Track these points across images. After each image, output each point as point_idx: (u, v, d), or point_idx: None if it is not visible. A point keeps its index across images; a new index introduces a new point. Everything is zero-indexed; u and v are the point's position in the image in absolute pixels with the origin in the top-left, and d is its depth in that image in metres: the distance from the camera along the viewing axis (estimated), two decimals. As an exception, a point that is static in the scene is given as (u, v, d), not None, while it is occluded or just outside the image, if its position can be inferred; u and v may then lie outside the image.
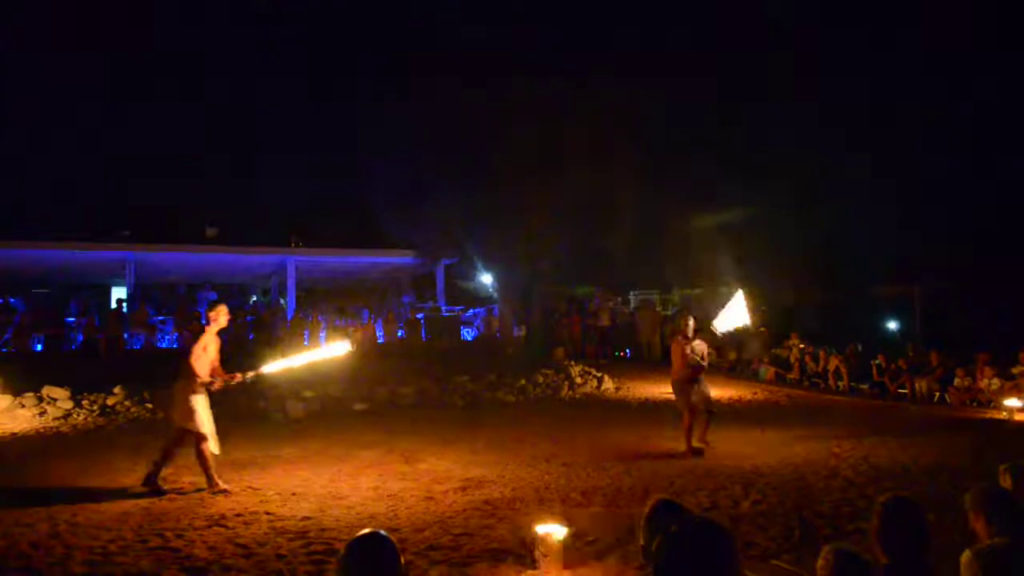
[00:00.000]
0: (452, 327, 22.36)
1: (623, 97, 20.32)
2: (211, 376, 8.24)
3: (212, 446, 8.13)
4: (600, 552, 5.85)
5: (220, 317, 8.48)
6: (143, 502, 7.63)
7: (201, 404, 8.11)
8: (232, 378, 8.37)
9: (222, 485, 8.05)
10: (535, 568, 5.45)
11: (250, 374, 8.58)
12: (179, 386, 8.16)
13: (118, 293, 23.97)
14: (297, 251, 23.59)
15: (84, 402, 13.86)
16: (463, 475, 8.79)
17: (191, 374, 8.09)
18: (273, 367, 8.72)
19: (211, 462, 8.11)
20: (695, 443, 10.01)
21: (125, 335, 19.11)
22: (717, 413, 10.76)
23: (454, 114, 20.88)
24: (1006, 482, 3.99)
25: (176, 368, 8.34)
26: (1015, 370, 14.40)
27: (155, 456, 8.30)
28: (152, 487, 8.00)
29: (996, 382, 14.43)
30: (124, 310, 19.88)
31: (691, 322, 10.38)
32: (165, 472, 8.33)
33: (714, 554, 2.10)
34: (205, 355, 8.25)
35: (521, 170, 20.27)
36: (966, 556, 2.80)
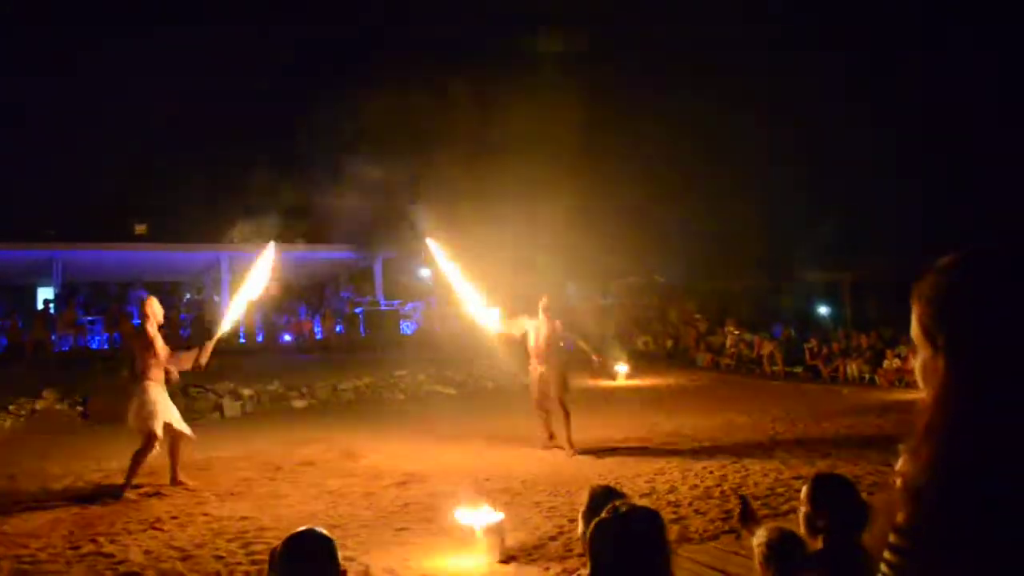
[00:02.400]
0: (391, 321, 22.22)
1: (550, 85, 20.42)
2: (169, 366, 8.09)
3: (187, 432, 8.07)
4: (541, 540, 5.89)
5: (156, 310, 8.27)
6: (75, 508, 7.41)
7: (160, 400, 7.91)
8: (193, 359, 8.22)
9: (129, 494, 7.69)
10: (477, 559, 5.46)
11: (208, 345, 8.41)
12: (131, 390, 7.93)
13: (44, 294, 23.23)
14: (231, 247, 23.13)
15: (11, 407, 13.40)
16: (403, 469, 8.75)
17: (141, 375, 7.89)
18: (232, 313, 8.59)
19: (141, 468, 7.89)
20: (558, 443, 9.54)
21: (53, 337, 18.55)
22: (569, 412, 9.76)
23: (388, 106, 20.73)
24: (902, 464, 3.95)
25: (129, 372, 8.11)
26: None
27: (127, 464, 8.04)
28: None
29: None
30: (51, 311, 19.30)
31: (542, 302, 9.96)
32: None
33: (643, 539, 2.14)
34: (154, 351, 8.03)
35: (457, 162, 20.22)
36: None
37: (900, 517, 1.10)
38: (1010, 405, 1.03)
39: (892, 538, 1.07)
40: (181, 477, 8.11)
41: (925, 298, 1.14)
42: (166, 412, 7.94)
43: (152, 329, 8.17)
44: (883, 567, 1.08)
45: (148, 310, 8.28)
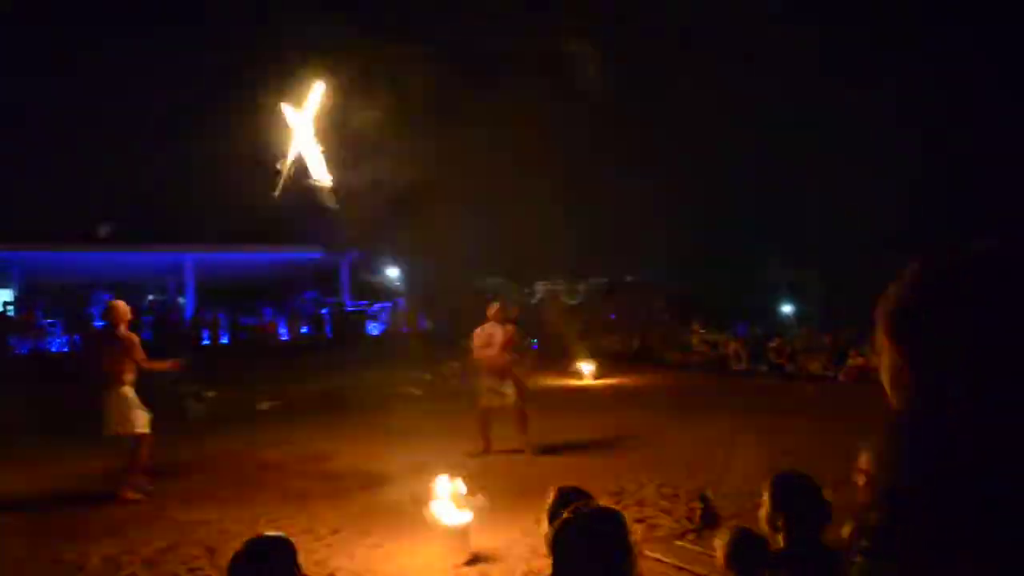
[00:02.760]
0: (357, 322, 22.11)
1: (523, 86, 20.44)
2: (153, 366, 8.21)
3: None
4: (507, 541, 5.89)
5: (124, 313, 8.19)
6: (36, 515, 7.29)
7: (134, 401, 7.87)
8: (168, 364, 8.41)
9: (133, 495, 7.74)
10: (443, 561, 5.45)
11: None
12: (105, 396, 7.82)
13: (3, 296, 22.81)
14: (194, 248, 22.86)
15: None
16: (370, 471, 8.70)
17: (116, 378, 7.79)
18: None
19: (141, 467, 7.91)
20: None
21: (11, 340, 18.21)
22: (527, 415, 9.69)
23: (355, 103, 20.60)
24: (866, 462, 3.95)
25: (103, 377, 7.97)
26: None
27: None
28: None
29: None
30: (10, 314, 18.94)
31: (492, 308, 10.05)
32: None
33: (605, 539, 2.14)
34: (134, 353, 7.98)
35: (425, 161, 20.16)
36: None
37: (870, 519, 1.11)
38: (982, 408, 1.04)
39: (863, 542, 1.08)
40: (139, 481, 7.99)
41: (892, 305, 1.15)
42: (143, 411, 7.88)
43: (125, 333, 8.10)
44: (854, 571, 1.08)
45: (120, 314, 8.19)
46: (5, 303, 20.43)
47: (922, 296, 1.11)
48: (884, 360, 1.16)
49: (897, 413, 1.14)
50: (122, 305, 8.36)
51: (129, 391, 7.88)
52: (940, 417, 1.06)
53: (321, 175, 9.58)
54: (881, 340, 1.16)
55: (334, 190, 9.85)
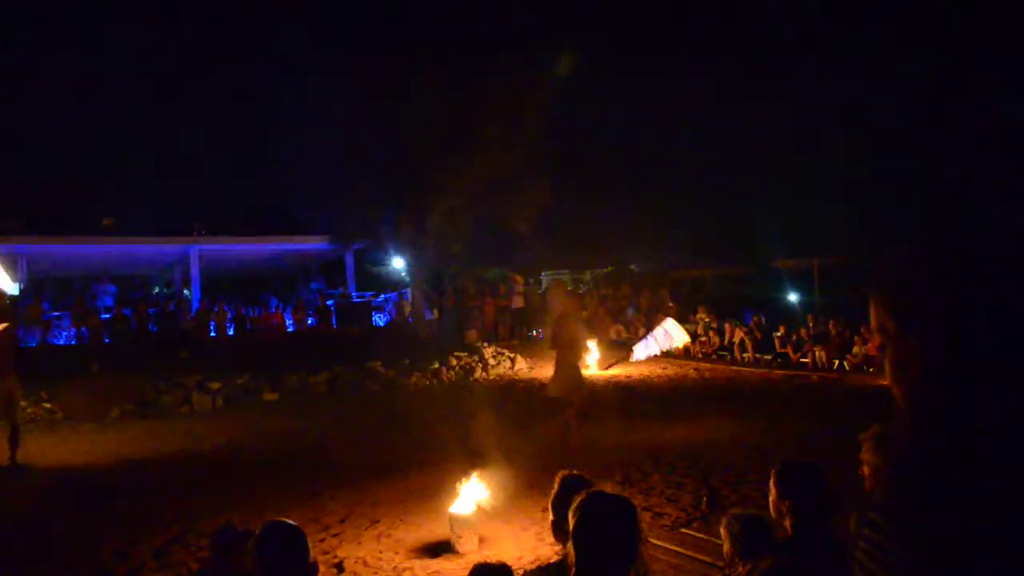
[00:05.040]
0: (363, 313, 22.12)
1: (529, 77, 20.36)
2: None
3: None
4: (514, 530, 5.92)
5: None
6: (44, 508, 7.34)
7: None
8: None
9: None
10: (453, 551, 5.48)
11: None
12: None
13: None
14: (200, 240, 22.88)
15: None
16: (377, 462, 8.73)
17: None
18: None
19: None
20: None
21: (19, 332, 18.25)
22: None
23: (361, 96, 20.58)
24: (870, 453, 3.79)
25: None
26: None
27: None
28: None
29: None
30: (17, 306, 18.99)
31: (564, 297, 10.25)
32: None
33: (616, 525, 2.16)
34: None
35: (430, 152, 20.12)
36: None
37: (877, 495, 1.12)
38: (987, 392, 1.04)
39: (871, 515, 1.09)
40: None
41: (890, 292, 1.15)
42: None
43: None
44: (861, 544, 1.09)
45: None
46: (11, 296, 20.47)
47: (950, 287, 1.10)
48: (891, 351, 1.16)
49: (907, 400, 1.15)
50: None
51: None
52: (957, 405, 1.07)
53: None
54: (889, 330, 1.15)
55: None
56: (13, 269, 21.19)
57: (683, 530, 5.80)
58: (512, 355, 18.04)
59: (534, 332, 22.97)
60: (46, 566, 5.61)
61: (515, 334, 22.16)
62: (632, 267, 28.71)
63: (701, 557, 5.14)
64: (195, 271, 22.72)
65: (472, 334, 20.72)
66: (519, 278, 24.25)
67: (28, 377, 13.95)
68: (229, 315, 20.50)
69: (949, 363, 1.08)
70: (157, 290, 26.26)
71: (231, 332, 20.00)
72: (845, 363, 15.96)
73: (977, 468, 1.02)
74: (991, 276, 1.08)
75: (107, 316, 19.19)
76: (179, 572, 5.40)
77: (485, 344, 19.11)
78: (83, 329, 18.53)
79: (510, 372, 17.01)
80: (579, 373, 9.76)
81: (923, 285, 1.12)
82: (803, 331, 17.53)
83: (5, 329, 8.82)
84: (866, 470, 3.24)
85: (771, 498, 2.85)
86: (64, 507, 7.30)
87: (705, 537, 5.45)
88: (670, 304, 22.31)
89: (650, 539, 5.29)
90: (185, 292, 23.83)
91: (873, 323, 1.18)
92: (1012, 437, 1.03)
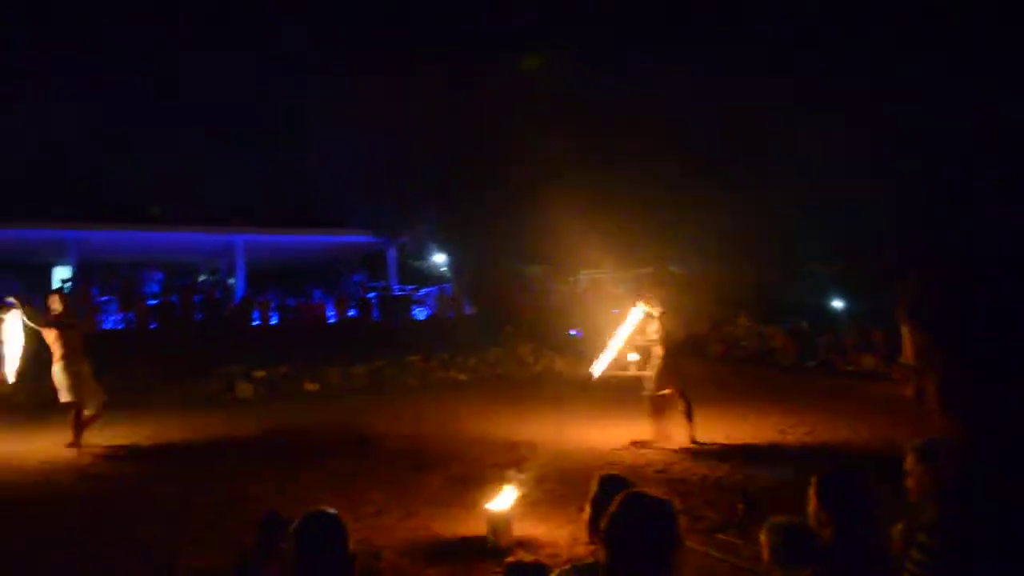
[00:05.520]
0: (404, 307, 22.27)
1: (572, 74, 20.34)
2: None
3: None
4: (552, 529, 5.92)
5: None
6: (86, 488, 7.51)
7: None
8: None
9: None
10: (488, 546, 5.50)
11: None
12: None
13: (61, 273, 23.38)
14: (246, 230, 23.20)
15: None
16: (413, 453, 8.79)
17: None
18: None
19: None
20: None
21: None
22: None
23: (407, 92, 20.72)
24: (914, 464, 3.65)
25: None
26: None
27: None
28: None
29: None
30: (66, 291, 19.41)
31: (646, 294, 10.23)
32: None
33: (654, 527, 2.16)
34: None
35: (473, 149, 20.20)
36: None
37: (927, 516, 1.11)
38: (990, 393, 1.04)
39: (920, 536, 1.08)
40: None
41: (923, 313, 1.14)
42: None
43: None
44: (910, 565, 1.08)
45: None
46: (63, 280, 20.95)
47: (950, 289, 1.09)
48: (933, 376, 1.14)
49: (954, 424, 1.14)
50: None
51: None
52: (1008, 429, 1.06)
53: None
54: (927, 352, 1.14)
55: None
56: (63, 254, 21.70)
57: (718, 535, 5.76)
58: (550, 353, 18.04)
59: (572, 330, 22.92)
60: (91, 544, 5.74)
61: (554, 332, 22.11)
62: (672, 268, 28.48)
63: (737, 562, 5.10)
64: (240, 261, 23.06)
65: (511, 330, 20.75)
66: (559, 276, 24.25)
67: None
68: (273, 305, 20.77)
69: (961, 366, 1.07)
70: (203, 278, 26.65)
71: (274, 322, 20.26)
72: (892, 372, 15.70)
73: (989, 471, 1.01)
74: (990, 277, 1.07)
75: (153, 302, 19.56)
76: (218, 557, 5.49)
77: (523, 341, 19.14)
78: (130, 315, 18.90)
79: (548, 369, 17.01)
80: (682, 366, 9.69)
81: (929, 289, 1.12)
82: (848, 338, 17.29)
83: (73, 313, 9.28)
84: (911, 481, 3.21)
85: (811, 507, 2.83)
86: (106, 491, 7.47)
87: (740, 542, 5.41)
88: (711, 307, 22.11)
89: (687, 542, 5.28)
90: (230, 281, 24.18)
91: (912, 345, 1.17)
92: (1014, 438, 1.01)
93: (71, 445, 9.08)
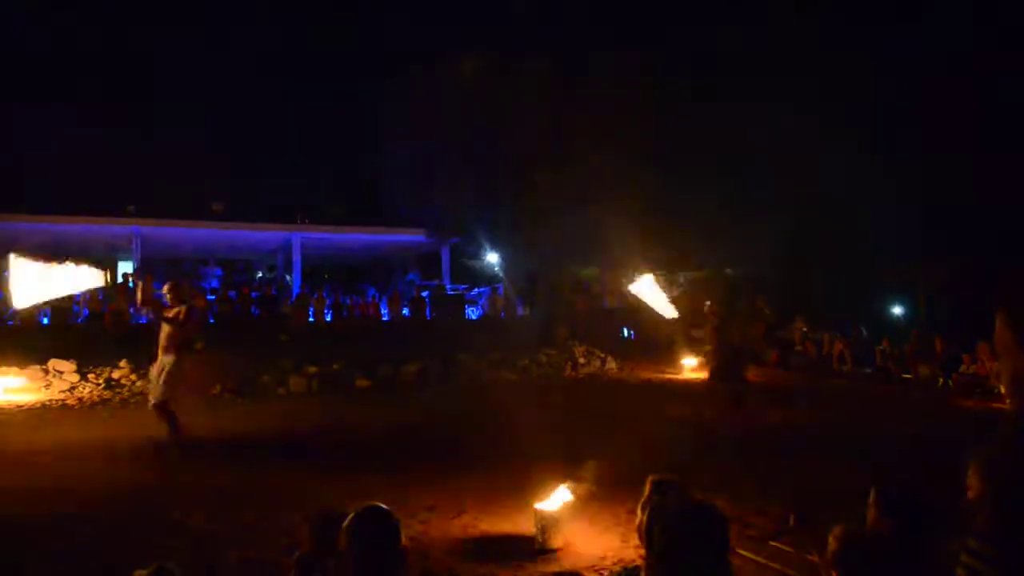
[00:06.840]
0: (456, 305, 22.37)
1: (625, 78, 20.24)
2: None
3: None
4: (600, 532, 5.89)
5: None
6: (140, 477, 7.68)
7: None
8: None
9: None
10: (537, 547, 5.50)
11: None
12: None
13: (125, 268, 23.99)
14: (303, 228, 23.57)
15: (90, 375, 13.92)
16: (465, 450, 8.83)
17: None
18: None
19: None
20: None
21: (131, 309, 19.12)
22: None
23: (461, 95, 20.83)
24: (974, 476, 3.58)
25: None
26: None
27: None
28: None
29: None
30: (130, 285, 19.90)
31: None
32: None
33: (704, 531, 2.13)
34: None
35: (529, 151, 20.22)
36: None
37: (979, 522, 1.09)
38: None
39: (970, 541, 1.06)
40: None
41: (1010, 305, 1.11)
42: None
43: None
44: (960, 571, 1.06)
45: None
46: (125, 275, 21.48)
47: None
48: (1007, 363, 1.12)
49: (1016, 416, 1.11)
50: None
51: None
52: None
53: None
54: (1007, 342, 1.12)
55: None
56: (127, 249, 22.25)
57: (771, 543, 5.67)
58: (602, 355, 17.96)
59: (625, 332, 22.79)
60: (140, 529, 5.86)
61: (607, 333, 22.02)
62: (727, 271, 28.15)
63: (788, 571, 5.01)
64: (297, 258, 23.42)
65: (563, 331, 20.70)
66: (612, 278, 24.11)
67: (139, 353, 14.65)
68: (328, 302, 21.03)
69: None
70: (260, 275, 27.13)
71: (328, 319, 20.51)
72: (950, 382, 15.31)
73: None
74: None
75: (212, 298, 19.95)
76: (269, 549, 5.56)
77: (576, 343, 19.08)
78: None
79: (600, 371, 16.95)
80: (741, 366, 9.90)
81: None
82: (907, 346, 16.91)
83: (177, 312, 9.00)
84: (971, 494, 3.12)
85: (870, 518, 2.77)
86: (161, 479, 7.62)
87: (792, 551, 5.31)
88: (767, 311, 21.80)
89: (737, 549, 5.21)
90: (287, 278, 24.57)
91: (996, 335, 1.15)
92: None
93: (174, 442, 8.66)
